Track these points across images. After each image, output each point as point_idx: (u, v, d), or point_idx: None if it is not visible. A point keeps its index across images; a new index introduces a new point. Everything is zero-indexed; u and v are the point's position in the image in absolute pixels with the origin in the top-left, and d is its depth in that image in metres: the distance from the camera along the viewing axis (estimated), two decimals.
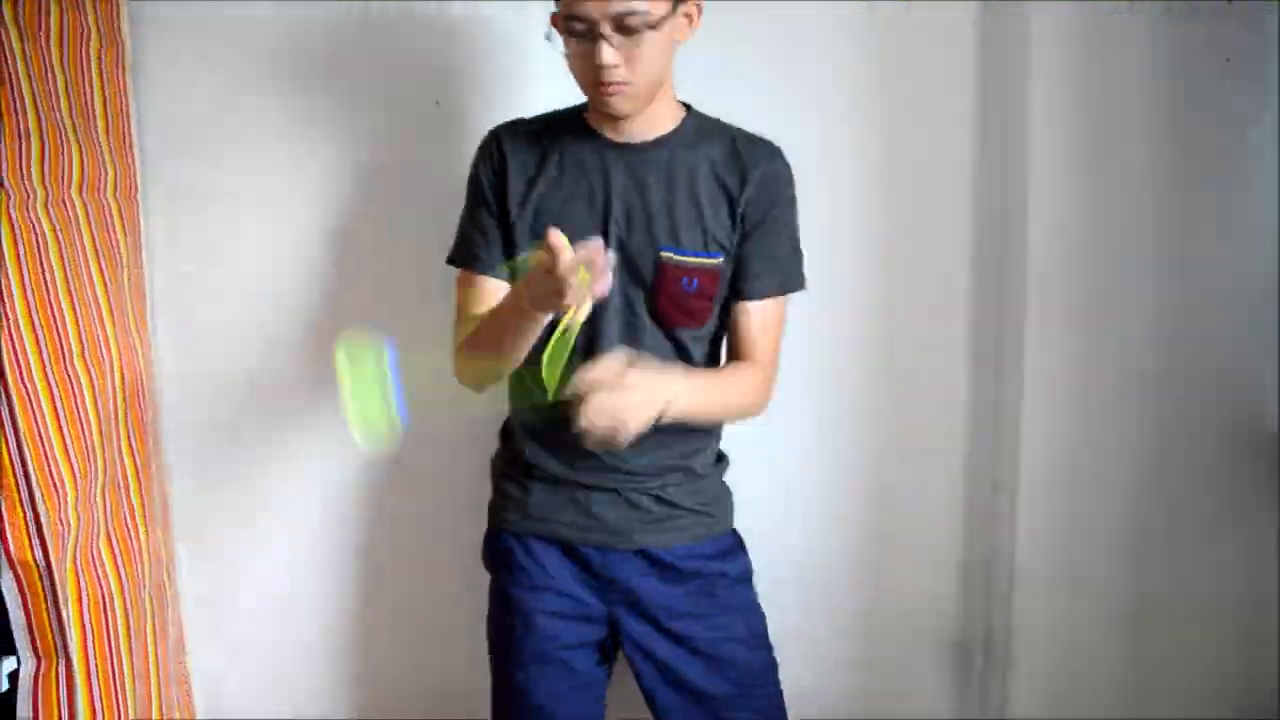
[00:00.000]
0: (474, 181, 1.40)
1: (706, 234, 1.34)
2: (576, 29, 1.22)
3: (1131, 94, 1.61)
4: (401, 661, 1.85)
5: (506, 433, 1.51)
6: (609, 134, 1.35)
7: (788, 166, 1.38)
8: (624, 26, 1.20)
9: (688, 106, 1.39)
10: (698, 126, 1.38)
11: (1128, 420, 1.68)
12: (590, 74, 1.24)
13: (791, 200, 1.39)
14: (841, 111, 1.67)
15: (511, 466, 1.47)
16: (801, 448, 1.76)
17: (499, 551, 1.47)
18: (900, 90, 1.70)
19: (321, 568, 1.83)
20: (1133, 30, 1.59)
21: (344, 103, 1.70)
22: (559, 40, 1.27)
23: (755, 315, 1.38)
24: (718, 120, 1.40)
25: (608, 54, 1.21)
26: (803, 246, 1.41)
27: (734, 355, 1.42)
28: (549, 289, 1.10)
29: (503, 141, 1.38)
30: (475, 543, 1.78)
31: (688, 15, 1.27)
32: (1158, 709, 1.74)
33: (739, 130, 1.39)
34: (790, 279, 1.40)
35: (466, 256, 1.40)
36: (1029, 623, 1.73)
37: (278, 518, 1.81)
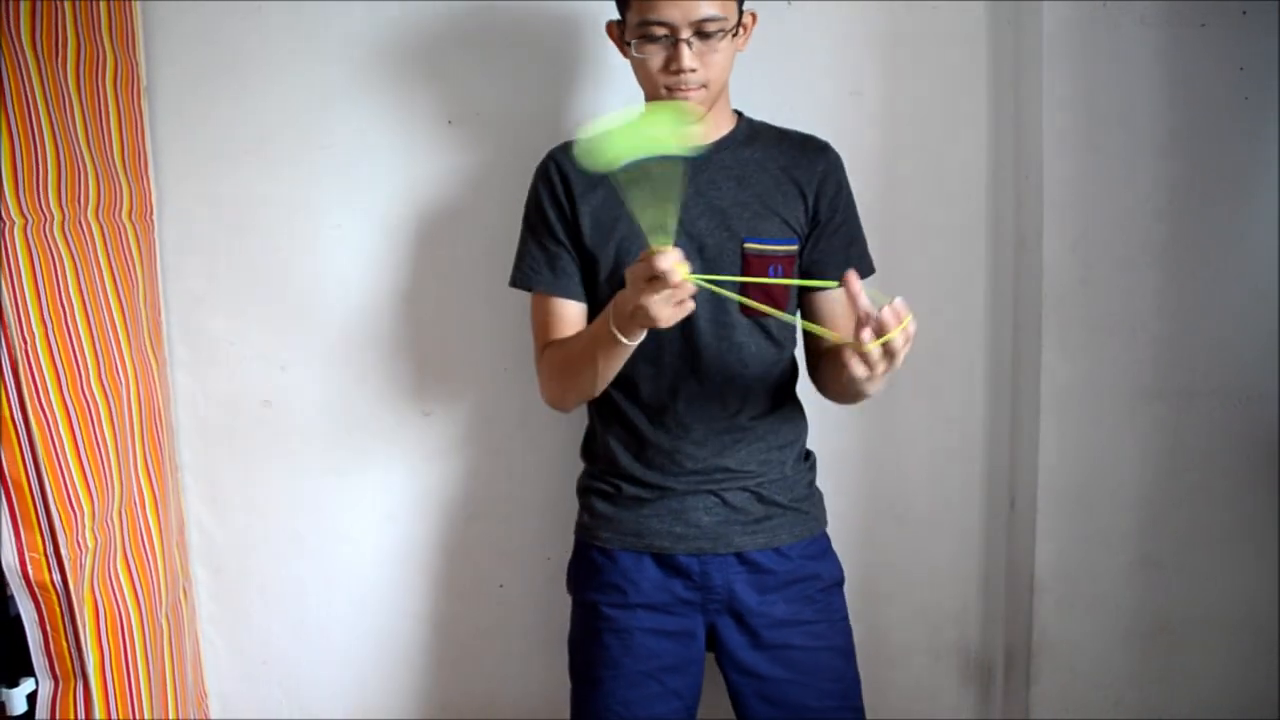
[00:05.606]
0: (534, 205, 1.41)
1: (783, 221, 1.37)
2: (655, 34, 1.26)
3: (1145, 111, 1.60)
4: (422, 687, 1.84)
5: (589, 450, 1.49)
6: None
7: (839, 155, 1.43)
8: (702, 32, 1.26)
9: (738, 113, 1.43)
10: (749, 129, 1.41)
11: (1145, 436, 1.67)
12: (664, 78, 1.28)
13: (849, 189, 1.43)
14: (853, 131, 1.66)
15: (600, 481, 1.44)
16: (818, 464, 1.75)
17: (589, 569, 1.43)
18: (913, 113, 1.70)
19: (339, 589, 1.82)
20: (1145, 46, 1.59)
21: (357, 126, 1.71)
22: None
23: (842, 304, 1.37)
24: (764, 123, 1.43)
25: (688, 58, 1.26)
26: None
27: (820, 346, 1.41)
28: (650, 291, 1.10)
29: (561, 163, 1.39)
30: (500, 560, 1.79)
31: (744, 25, 1.33)
32: None
33: (786, 129, 1.43)
34: (865, 265, 1.44)
35: (525, 278, 1.41)
36: (1049, 639, 1.71)
37: (294, 538, 1.81)
